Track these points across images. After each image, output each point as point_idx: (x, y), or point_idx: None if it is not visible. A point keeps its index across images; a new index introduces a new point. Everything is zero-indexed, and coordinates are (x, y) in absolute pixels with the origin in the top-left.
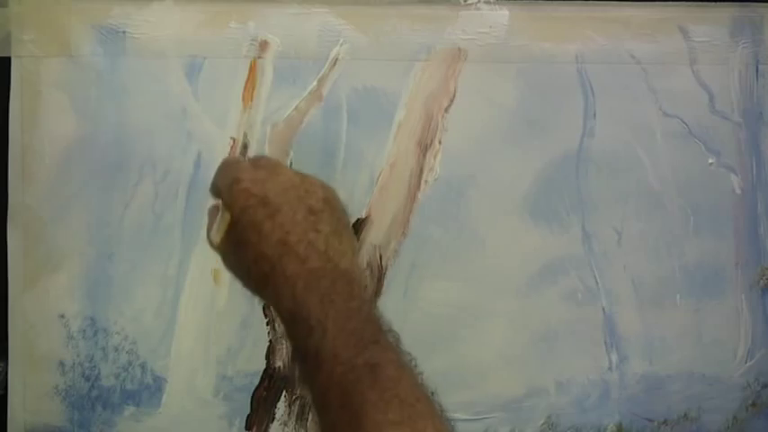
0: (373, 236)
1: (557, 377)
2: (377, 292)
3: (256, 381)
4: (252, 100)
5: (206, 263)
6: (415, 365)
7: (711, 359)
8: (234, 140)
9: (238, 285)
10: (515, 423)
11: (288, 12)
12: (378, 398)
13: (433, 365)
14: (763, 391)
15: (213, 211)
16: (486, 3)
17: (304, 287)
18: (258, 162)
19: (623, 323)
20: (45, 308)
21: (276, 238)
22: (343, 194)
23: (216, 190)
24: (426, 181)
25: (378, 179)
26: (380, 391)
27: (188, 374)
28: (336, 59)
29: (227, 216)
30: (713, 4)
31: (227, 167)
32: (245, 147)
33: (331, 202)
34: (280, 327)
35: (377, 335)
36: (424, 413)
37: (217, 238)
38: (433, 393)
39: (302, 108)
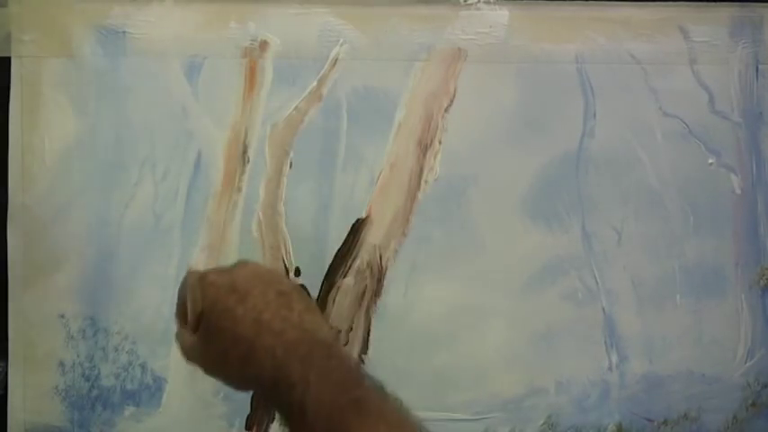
0: (373, 236)
1: (557, 377)
2: (377, 292)
3: None
4: (252, 100)
5: (206, 263)
6: (401, 404)
7: (711, 359)
8: None
9: None
10: (515, 423)
11: (288, 12)
12: (363, 424)
13: (433, 365)
14: (763, 391)
15: (179, 333)
16: (486, 3)
17: (283, 353)
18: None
19: (623, 323)
20: (45, 308)
21: (250, 319)
22: (343, 194)
23: (181, 302)
24: (426, 181)
25: (378, 179)
26: (365, 418)
27: (188, 374)
28: (336, 59)
29: (198, 307)
30: (713, 4)
31: (190, 274)
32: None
33: (298, 289)
34: None
35: (359, 380)
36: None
37: (184, 335)
38: (420, 423)
39: (302, 108)
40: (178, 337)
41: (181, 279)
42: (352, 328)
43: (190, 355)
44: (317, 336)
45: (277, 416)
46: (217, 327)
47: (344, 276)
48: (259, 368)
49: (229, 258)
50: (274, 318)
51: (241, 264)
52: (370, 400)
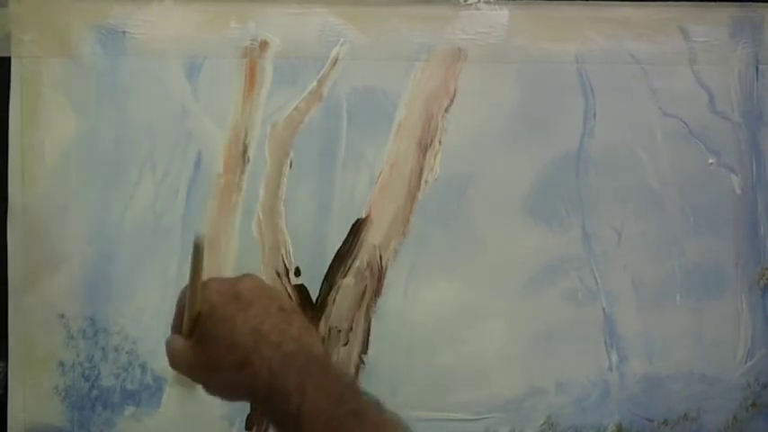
0: (373, 236)
1: (557, 377)
2: (377, 292)
3: None
4: (252, 100)
5: (206, 262)
6: (399, 419)
7: (711, 359)
8: None
9: None
10: (515, 423)
11: (288, 12)
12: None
13: (433, 365)
14: (763, 391)
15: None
16: (486, 3)
17: (280, 363)
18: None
19: (623, 323)
20: (45, 308)
21: (249, 328)
22: (343, 194)
23: (179, 309)
24: (426, 181)
25: (378, 179)
26: (365, 428)
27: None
28: (336, 59)
29: (196, 309)
30: (713, 4)
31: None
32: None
33: (298, 310)
34: None
35: (356, 394)
36: None
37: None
38: None
39: (302, 108)
40: (168, 343)
41: (180, 279)
42: (352, 328)
43: (177, 361)
44: (313, 350)
45: None
46: (214, 332)
47: (344, 276)
48: (254, 377)
49: (229, 258)
50: (273, 330)
51: (247, 276)
52: (370, 412)
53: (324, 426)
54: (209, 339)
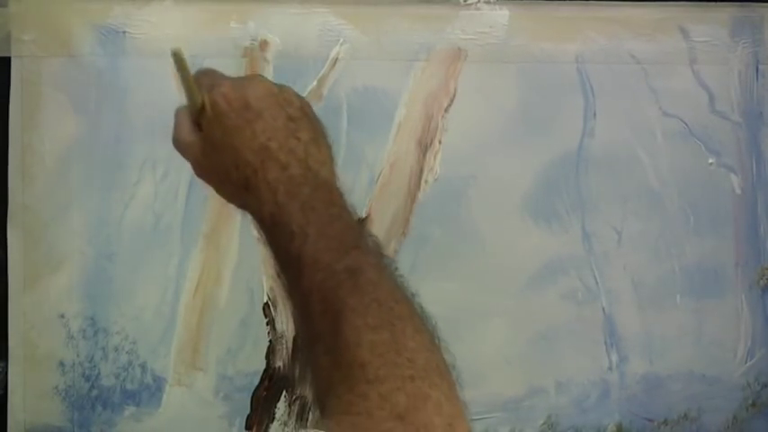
0: None
1: (557, 377)
2: None
3: (256, 381)
4: None
5: (206, 262)
6: (396, 268)
7: (711, 359)
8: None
9: (239, 286)
10: (515, 423)
11: (288, 12)
12: (357, 302)
13: None
14: (763, 391)
15: (182, 113)
16: (486, 3)
17: (285, 193)
18: (237, 76)
19: (623, 323)
20: (45, 308)
21: (258, 143)
22: None
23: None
24: (426, 181)
25: (378, 179)
26: (360, 296)
27: (188, 374)
28: (336, 59)
29: (198, 107)
30: (713, 4)
31: (207, 73)
32: None
33: (307, 112)
34: (280, 326)
35: (357, 240)
36: (403, 315)
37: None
38: (413, 294)
39: None
40: (177, 123)
41: (180, 279)
42: None
43: (184, 150)
44: (320, 174)
45: (277, 415)
46: (222, 143)
47: None
48: (260, 199)
49: (229, 258)
50: (282, 147)
51: (256, 79)
52: (367, 270)
53: (321, 281)
54: (216, 149)
